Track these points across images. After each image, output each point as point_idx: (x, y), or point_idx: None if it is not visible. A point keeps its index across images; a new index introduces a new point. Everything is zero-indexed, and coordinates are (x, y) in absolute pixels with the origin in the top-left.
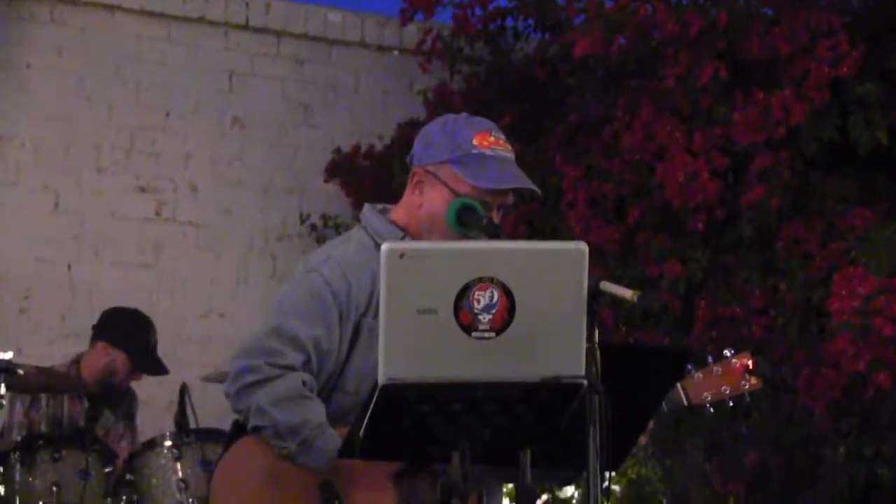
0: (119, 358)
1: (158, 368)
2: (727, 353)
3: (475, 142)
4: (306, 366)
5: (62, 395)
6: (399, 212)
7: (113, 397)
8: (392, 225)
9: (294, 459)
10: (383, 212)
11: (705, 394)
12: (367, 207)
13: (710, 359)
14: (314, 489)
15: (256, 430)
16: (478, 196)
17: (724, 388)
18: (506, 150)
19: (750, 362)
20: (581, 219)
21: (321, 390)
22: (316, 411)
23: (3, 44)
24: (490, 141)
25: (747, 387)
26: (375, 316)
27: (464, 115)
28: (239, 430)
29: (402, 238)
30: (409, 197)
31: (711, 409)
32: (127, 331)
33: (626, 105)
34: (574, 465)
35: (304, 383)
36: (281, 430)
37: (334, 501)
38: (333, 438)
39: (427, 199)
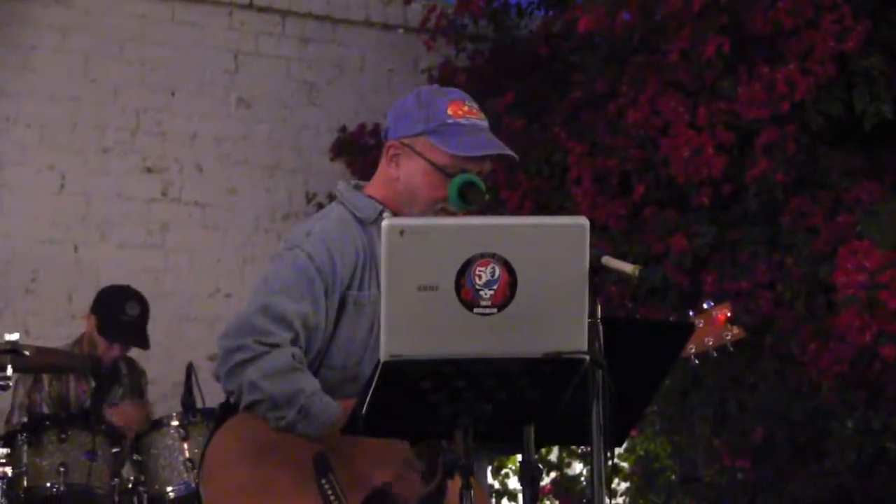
0: (94, 329)
1: (129, 338)
2: (706, 305)
3: (450, 111)
4: (295, 343)
5: (66, 376)
6: (375, 186)
7: (115, 375)
8: (369, 199)
9: (293, 429)
10: (358, 187)
11: (689, 346)
12: (342, 183)
13: (690, 312)
14: (307, 462)
15: (251, 406)
16: (455, 165)
17: (707, 339)
18: (480, 119)
19: (729, 312)
20: (587, 195)
21: (309, 366)
22: (309, 381)
23: (8, 25)
24: (464, 110)
25: (729, 337)
26: (360, 288)
27: (435, 86)
28: (226, 411)
29: (381, 211)
30: (385, 170)
31: (696, 361)
32: (103, 302)
33: (631, 80)
34: (578, 441)
35: (293, 357)
36: (277, 400)
37: (328, 474)
38: (330, 405)
39: (404, 171)
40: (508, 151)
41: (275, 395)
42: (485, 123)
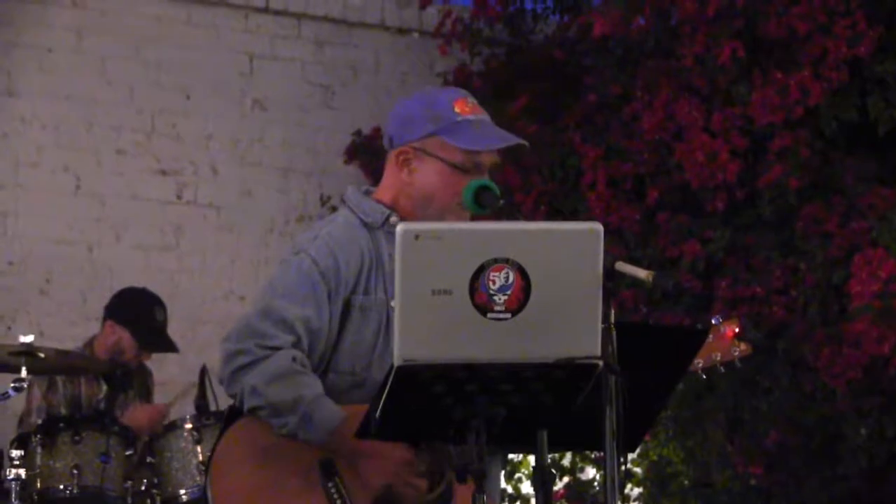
0: (124, 336)
1: (164, 346)
2: (715, 320)
3: (457, 109)
4: (297, 346)
5: (79, 378)
6: (383, 192)
7: (126, 377)
8: (377, 204)
9: (295, 435)
10: (367, 193)
11: (697, 360)
12: (350, 189)
13: (699, 326)
14: (313, 467)
15: (253, 411)
16: (469, 162)
17: (714, 354)
18: (483, 114)
19: (738, 328)
20: (601, 199)
21: (314, 371)
22: (310, 385)
23: (24, 26)
24: (469, 107)
25: (737, 353)
26: (366, 293)
27: (433, 87)
28: (235, 414)
29: (389, 216)
30: (396, 177)
31: (704, 376)
32: (131, 309)
33: (645, 85)
34: (591, 445)
35: (294, 359)
36: (278, 407)
37: (334, 478)
38: (332, 410)
39: (418, 175)
40: (519, 140)
41: (275, 402)
42: (488, 118)
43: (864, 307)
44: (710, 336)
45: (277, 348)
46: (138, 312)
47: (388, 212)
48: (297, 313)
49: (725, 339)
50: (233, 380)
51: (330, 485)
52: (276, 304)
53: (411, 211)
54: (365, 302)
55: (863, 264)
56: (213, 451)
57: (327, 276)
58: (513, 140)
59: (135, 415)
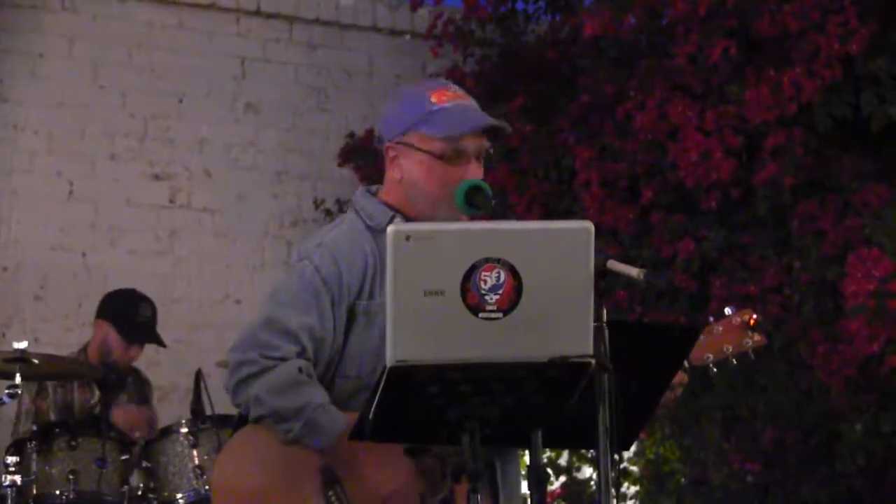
0: (110, 333)
1: (148, 337)
2: (728, 310)
3: (433, 99)
4: (301, 356)
5: (70, 383)
6: (385, 192)
7: (119, 381)
8: (383, 205)
9: (300, 442)
10: (374, 193)
11: (707, 354)
12: (359, 190)
13: (710, 318)
14: (316, 473)
15: (259, 419)
16: (451, 150)
17: (725, 346)
18: (465, 100)
19: (752, 319)
20: (595, 199)
21: (322, 377)
22: (316, 393)
23: (16, 33)
24: (448, 95)
25: (750, 344)
26: (370, 298)
27: (418, 82)
28: (243, 419)
29: (394, 217)
30: (390, 174)
31: (715, 370)
32: (114, 305)
33: (639, 85)
34: (585, 445)
35: (300, 370)
36: (282, 414)
37: (335, 486)
38: (338, 417)
39: (404, 169)
40: (499, 122)
41: (280, 410)
42: (471, 103)
43: (859, 307)
44: (721, 328)
45: (282, 359)
46: (122, 308)
47: (391, 213)
48: (299, 322)
49: (738, 330)
50: (238, 390)
51: (331, 493)
52: (278, 313)
53: (410, 207)
54: (370, 307)
55: (857, 263)
56: (218, 454)
57: (329, 283)
58: (490, 121)
59: (120, 415)
